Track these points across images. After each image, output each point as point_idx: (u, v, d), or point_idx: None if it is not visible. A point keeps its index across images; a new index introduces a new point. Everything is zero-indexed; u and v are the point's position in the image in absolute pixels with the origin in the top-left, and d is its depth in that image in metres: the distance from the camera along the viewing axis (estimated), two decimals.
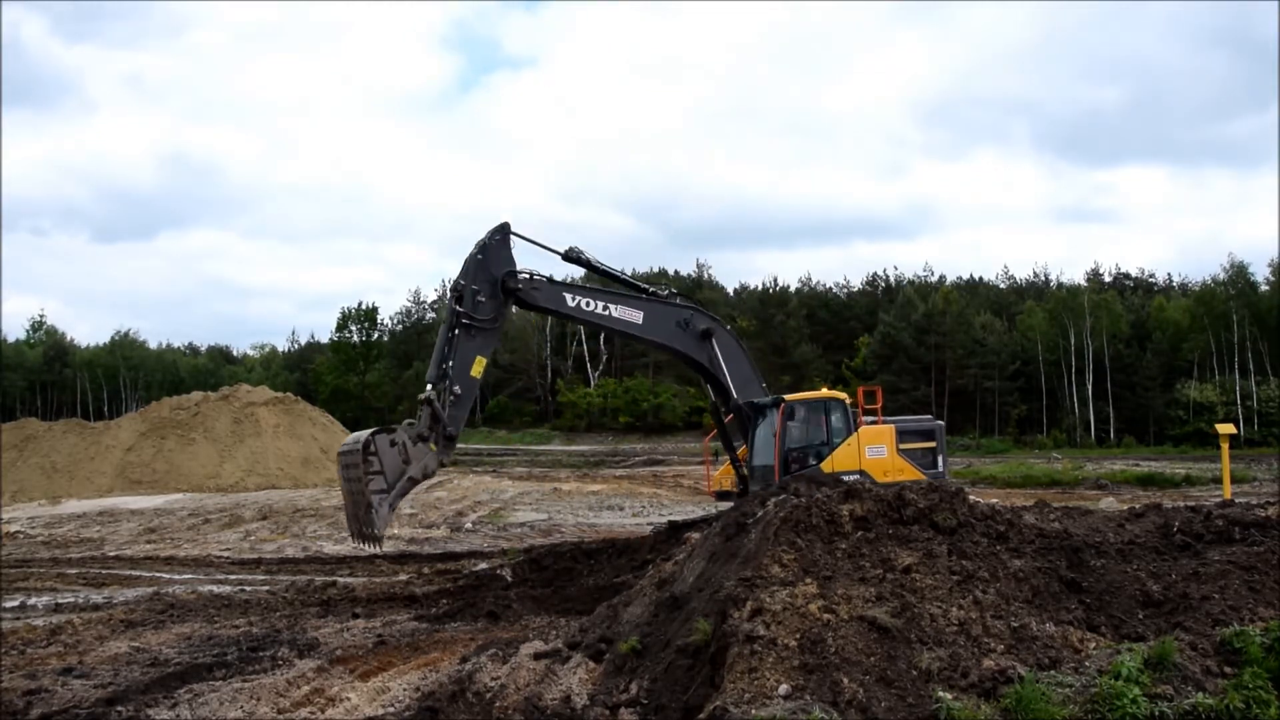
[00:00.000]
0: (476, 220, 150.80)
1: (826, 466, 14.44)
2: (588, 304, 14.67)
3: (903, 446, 15.06)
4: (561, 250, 14.78)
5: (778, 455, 14.67)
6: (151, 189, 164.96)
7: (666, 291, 15.90)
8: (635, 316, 14.90)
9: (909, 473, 14.52)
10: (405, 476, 12.54)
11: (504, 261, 14.01)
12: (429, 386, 13.28)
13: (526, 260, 14.80)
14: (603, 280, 16.99)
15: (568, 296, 14.58)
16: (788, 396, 15.50)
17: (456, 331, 13.48)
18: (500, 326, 14.22)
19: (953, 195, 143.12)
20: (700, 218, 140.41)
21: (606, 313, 14.75)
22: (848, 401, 15.58)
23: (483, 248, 13.94)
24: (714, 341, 15.20)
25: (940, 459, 15.53)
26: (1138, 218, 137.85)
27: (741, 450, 15.99)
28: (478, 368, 13.56)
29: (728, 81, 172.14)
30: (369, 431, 12.85)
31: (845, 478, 13.02)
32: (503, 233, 14.17)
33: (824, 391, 16.43)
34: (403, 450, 12.53)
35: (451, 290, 14.07)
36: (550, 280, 14.61)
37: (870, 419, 15.61)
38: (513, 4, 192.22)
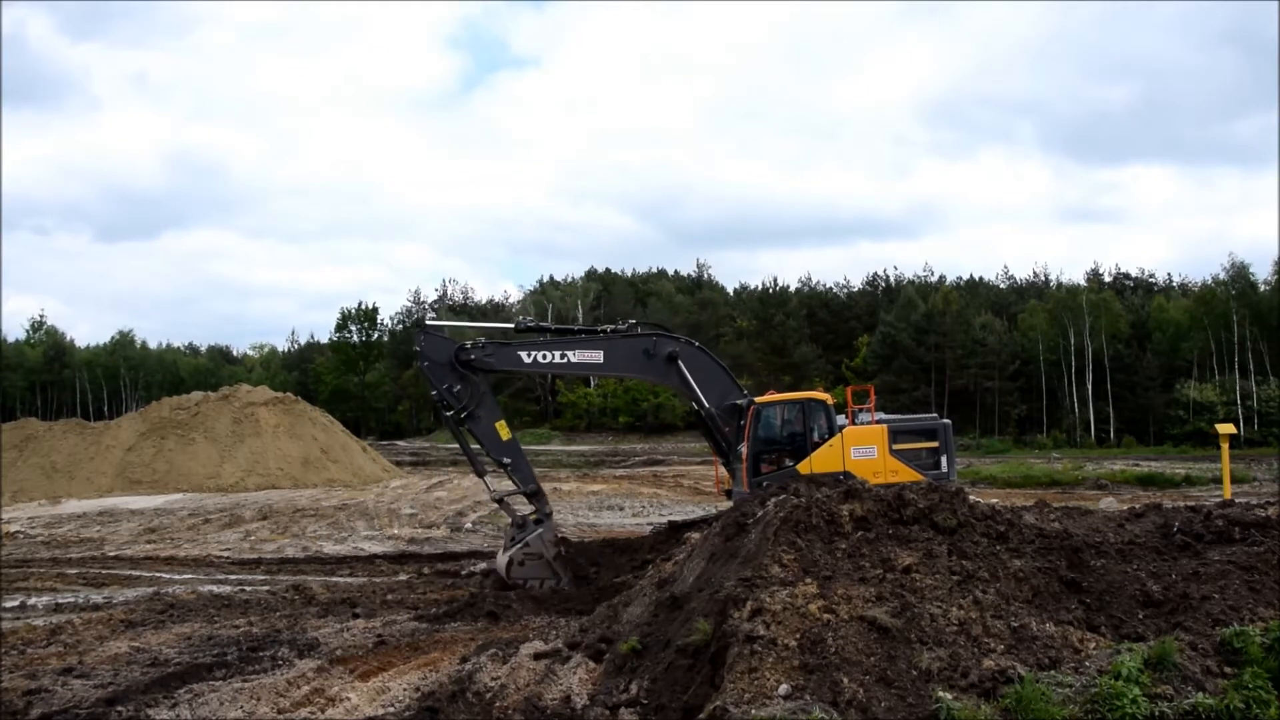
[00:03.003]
0: (478, 220, 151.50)
1: (804, 468, 14.26)
2: (544, 356, 15.15)
3: (898, 446, 14.64)
4: (513, 325, 15.97)
5: (745, 458, 14.64)
6: (155, 188, 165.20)
7: (626, 325, 16.04)
8: (595, 356, 15.30)
9: (905, 474, 14.09)
10: (547, 561, 14.07)
11: (445, 347, 14.68)
12: (489, 489, 14.84)
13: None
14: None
15: (522, 354, 15.11)
16: (759, 399, 15.47)
17: (467, 428, 14.38)
18: (487, 390, 14.90)
19: (958, 195, 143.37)
20: (704, 217, 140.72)
21: (565, 360, 15.24)
22: (830, 402, 15.42)
23: (421, 355, 14.71)
24: (680, 363, 15.31)
25: (945, 459, 14.98)
26: (1144, 217, 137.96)
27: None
28: (504, 431, 14.60)
29: (733, 81, 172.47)
30: (503, 569, 14.11)
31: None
32: (421, 328, 15.00)
33: (804, 392, 16.37)
34: (530, 555, 14.00)
35: (437, 405, 15.09)
36: (500, 342, 15.23)
37: (867, 419, 15.50)
38: (521, 3, 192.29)
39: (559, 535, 15.07)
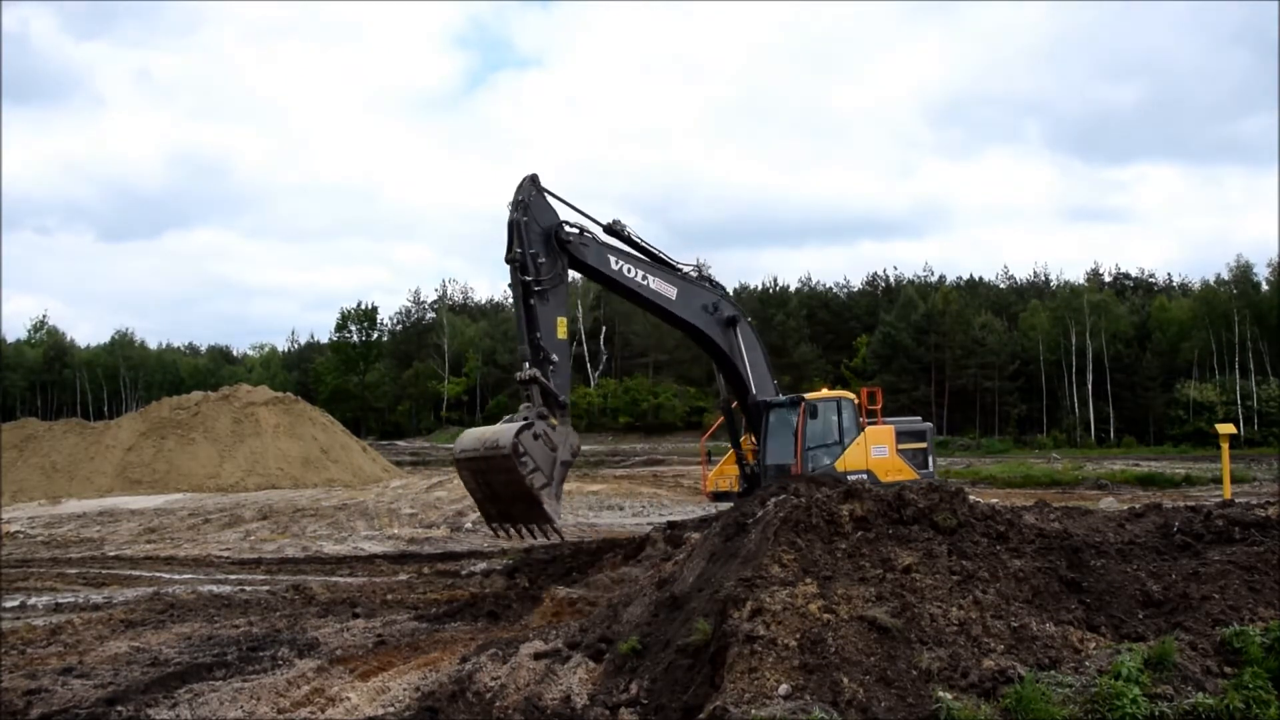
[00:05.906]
0: (480, 220, 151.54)
1: (840, 465, 14.71)
2: (629, 270, 14.14)
3: (900, 447, 15.46)
4: (603, 222, 14.26)
5: (799, 454, 14.76)
6: (158, 188, 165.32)
7: (697, 274, 15.65)
8: (670, 292, 14.53)
9: (906, 473, 14.91)
10: (558, 463, 12.32)
11: (550, 215, 13.41)
12: (526, 366, 12.91)
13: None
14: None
15: (612, 259, 14.08)
16: (809, 395, 15.75)
17: (532, 302, 12.93)
18: (566, 280, 13.64)
19: (964, 195, 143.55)
20: (707, 217, 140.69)
21: (644, 282, 14.27)
22: (855, 401, 15.86)
23: (524, 206, 13.09)
24: (737, 331, 15.00)
25: (930, 459, 16.10)
26: (1150, 217, 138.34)
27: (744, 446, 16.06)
28: (562, 329, 13.22)
29: (737, 80, 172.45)
30: (509, 431, 12.12)
31: (852, 477, 13.33)
32: (536, 186, 13.39)
33: (837, 391, 16.68)
34: (546, 440, 12.23)
35: (509, 262, 13.21)
36: (597, 239, 14.03)
37: (870, 420, 15.77)
38: (529, 2, 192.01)
39: (575, 455, 12.99)
